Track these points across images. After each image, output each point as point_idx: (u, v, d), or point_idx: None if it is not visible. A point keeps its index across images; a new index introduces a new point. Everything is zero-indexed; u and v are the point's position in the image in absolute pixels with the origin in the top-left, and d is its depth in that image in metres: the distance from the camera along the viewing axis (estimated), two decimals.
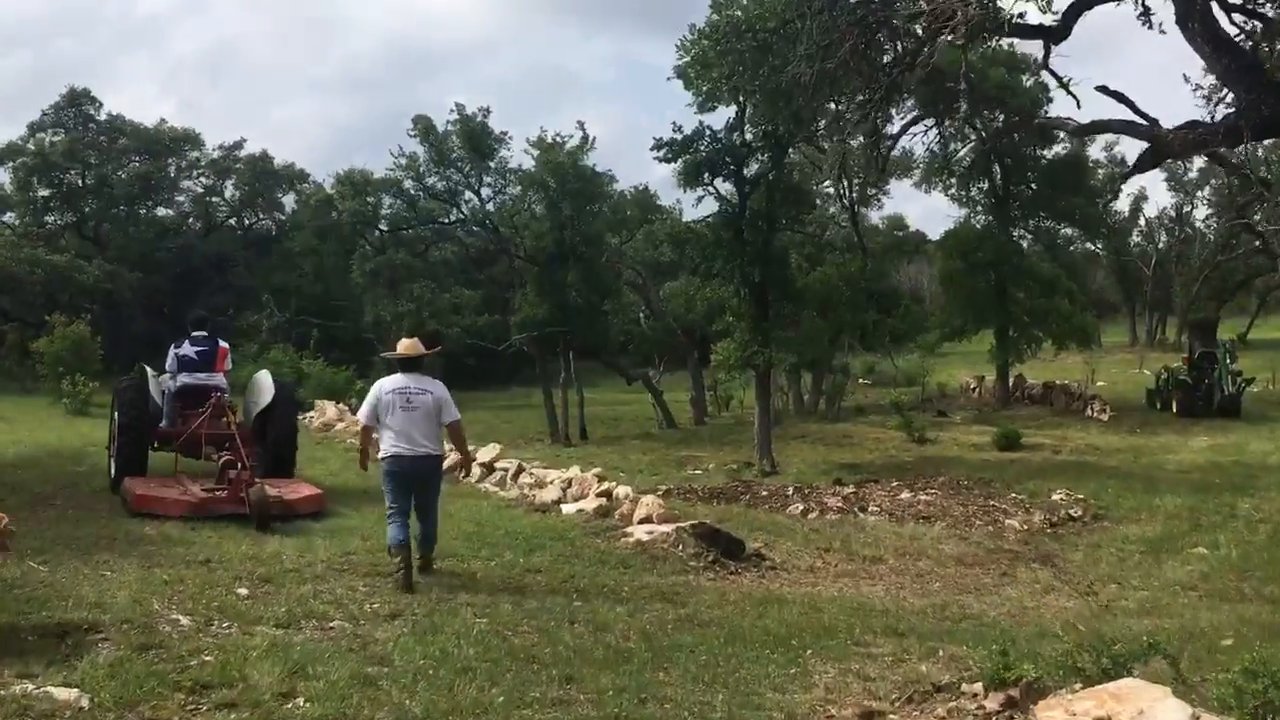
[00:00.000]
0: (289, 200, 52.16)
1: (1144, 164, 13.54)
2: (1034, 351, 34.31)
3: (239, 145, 51.57)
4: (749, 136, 21.87)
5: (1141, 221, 60.43)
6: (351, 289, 42.90)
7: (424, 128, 31.66)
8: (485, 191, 33.25)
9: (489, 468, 16.24)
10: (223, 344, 13.85)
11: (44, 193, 47.67)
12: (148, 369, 14.04)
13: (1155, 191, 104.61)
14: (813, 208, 26.27)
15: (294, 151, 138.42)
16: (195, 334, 13.60)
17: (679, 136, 21.49)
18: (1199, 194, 58.17)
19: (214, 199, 52.69)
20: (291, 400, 14.51)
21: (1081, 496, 17.07)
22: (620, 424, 34.71)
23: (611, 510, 13.04)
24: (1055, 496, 17.16)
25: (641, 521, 12.31)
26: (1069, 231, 42.23)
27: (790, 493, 17.71)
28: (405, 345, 9.57)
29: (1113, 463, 21.48)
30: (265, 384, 13.96)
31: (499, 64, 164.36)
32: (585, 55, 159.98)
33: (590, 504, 13.27)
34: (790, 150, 23.98)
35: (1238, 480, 18.36)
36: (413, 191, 33.74)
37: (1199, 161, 57.48)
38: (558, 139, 29.68)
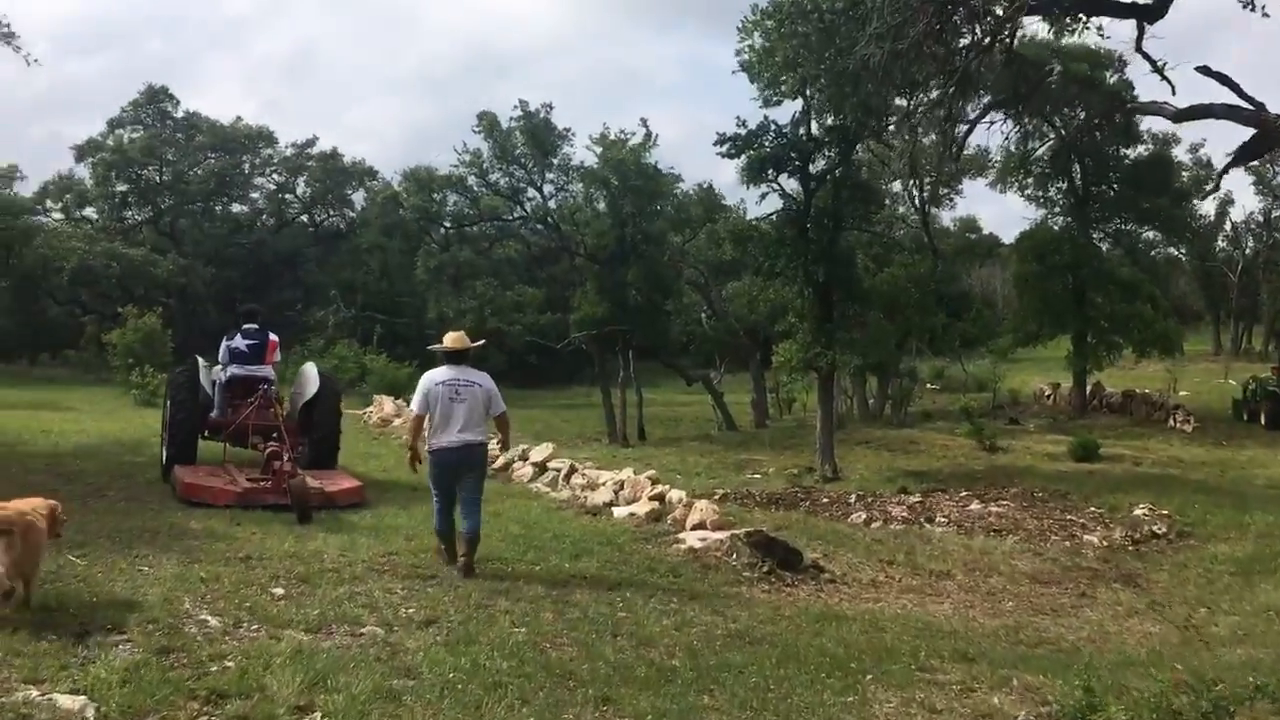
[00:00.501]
0: (358, 198, 52.52)
1: (1248, 153, 12.61)
2: (1114, 359, 33.07)
3: (311, 143, 52.20)
4: (815, 131, 21.18)
5: (1227, 226, 58.40)
6: (415, 286, 42.91)
7: (488, 123, 31.42)
8: (548, 188, 33.03)
9: (541, 467, 15.86)
10: (272, 336, 14.09)
11: (122, 188, 48.54)
12: (200, 360, 14.37)
13: (1242, 195, 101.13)
14: (881, 206, 25.47)
15: (369, 151, 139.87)
16: (246, 326, 13.94)
17: (743, 131, 20.88)
18: None
19: (286, 196, 53.25)
20: (335, 393, 14.59)
21: (1166, 512, 16.13)
22: (679, 425, 34.21)
23: (664, 515, 12.56)
24: (1137, 511, 16.24)
25: (695, 528, 11.81)
26: (1151, 235, 40.75)
27: (852, 500, 17.04)
28: (452, 338, 9.56)
29: (1198, 476, 20.44)
30: (311, 376, 14.27)
31: (571, 64, 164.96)
32: (655, 56, 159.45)
33: (642, 508, 12.79)
34: (858, 147, 23.19)
35: None
36: (476, 188, 33.56)
37: None
38: (621, 136, 29.27)
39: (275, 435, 12.44)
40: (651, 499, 13.04)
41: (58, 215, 48.86)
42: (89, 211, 49.96)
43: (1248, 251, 57.59)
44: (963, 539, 13.94)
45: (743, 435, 31.23)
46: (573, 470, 15.13)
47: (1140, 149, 34.14)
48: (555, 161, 32.11)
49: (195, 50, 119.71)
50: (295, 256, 51.98)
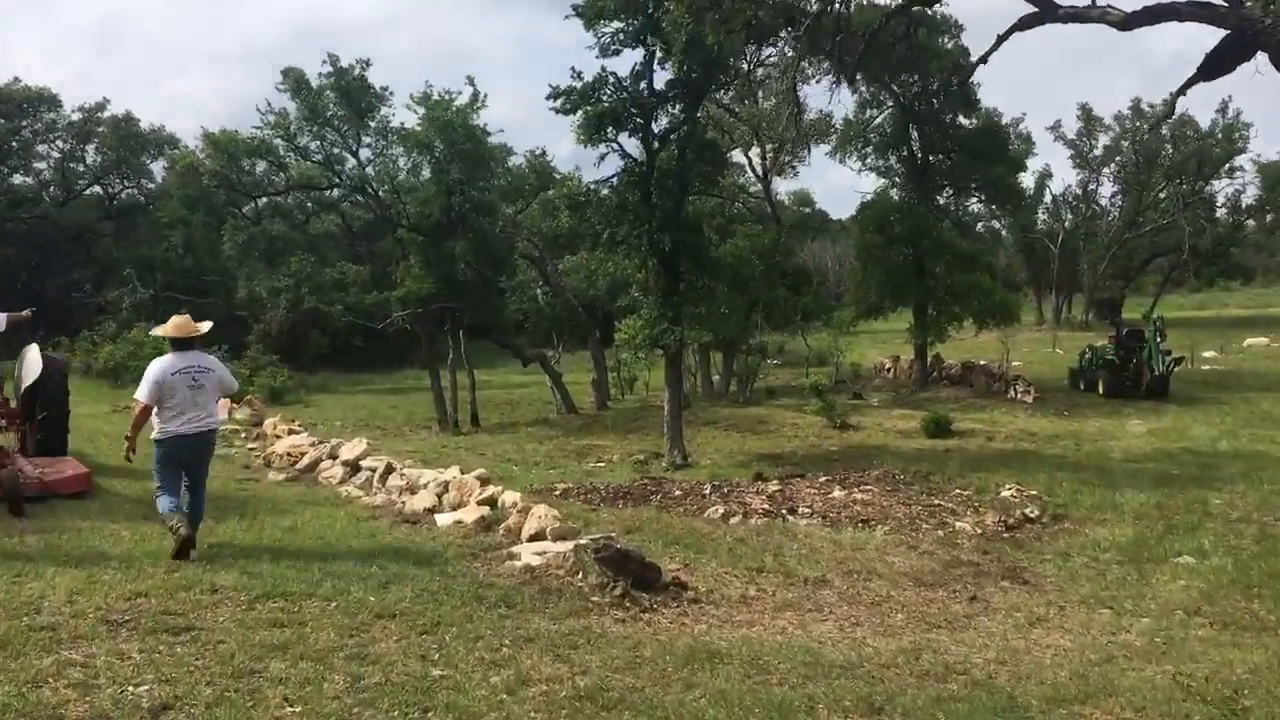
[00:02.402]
0: (158, 168, 47.87)
1: (1216, 65, 11.14)
2: (957, 329, 32.74)
3: (101, 107, 47.04)
4: (659, 86, 19.41)
5: (1047, 198, 59.87)
6: (224, 263, 39.28)
7: (295, 81, 28.31)
8: (364, 154, 30.09)
9: (353, 467, 13.69)
10: None
11: None
12: None
13: (1060, 168, 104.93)
14: (727, 167, 23.93)
15: (190, 128, 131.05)
16: None
17: (578, 84, 18.88)
18: (1105, 170, 57.78)
19: (73, 165, 47.91)
20: (62, 376, 13.72)
21: (1034, 492, 15.21)
22: (516, 409, 32.23)
23: (496, 522, 10.67)
24: (1005, 493, 15.26)
25: (532, 538, 9.97)
26: (977, 208, 40.98)
27: (708, 491, 15.46)
28: (178, 325, 9.08)
29: (1054, 451, 19.79)
30: (33, 360, 13.32)
31: (400, 40, 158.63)
32: (487, 34, 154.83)
33: (470, 514, 10.86)
34: (702, 107, 21.49)
35: (1195, 471, 16.74)
36: (284, 153, 30.42)
37: (1104, 139, 57.50)
38: (445, 95, 26.79)
39: None
40: (481, 503, 11.14)
41: None
42: None
43: (1066, 224, 59.19)
44: (830, 533, 12.55)
45: (584, 418, 29.45)
46: (389, 470, 13.04)
47: (975, 117, 33.85)
48: (372, 124, 29.31)
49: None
50: (86, 232, 47.07)
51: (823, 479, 16.78)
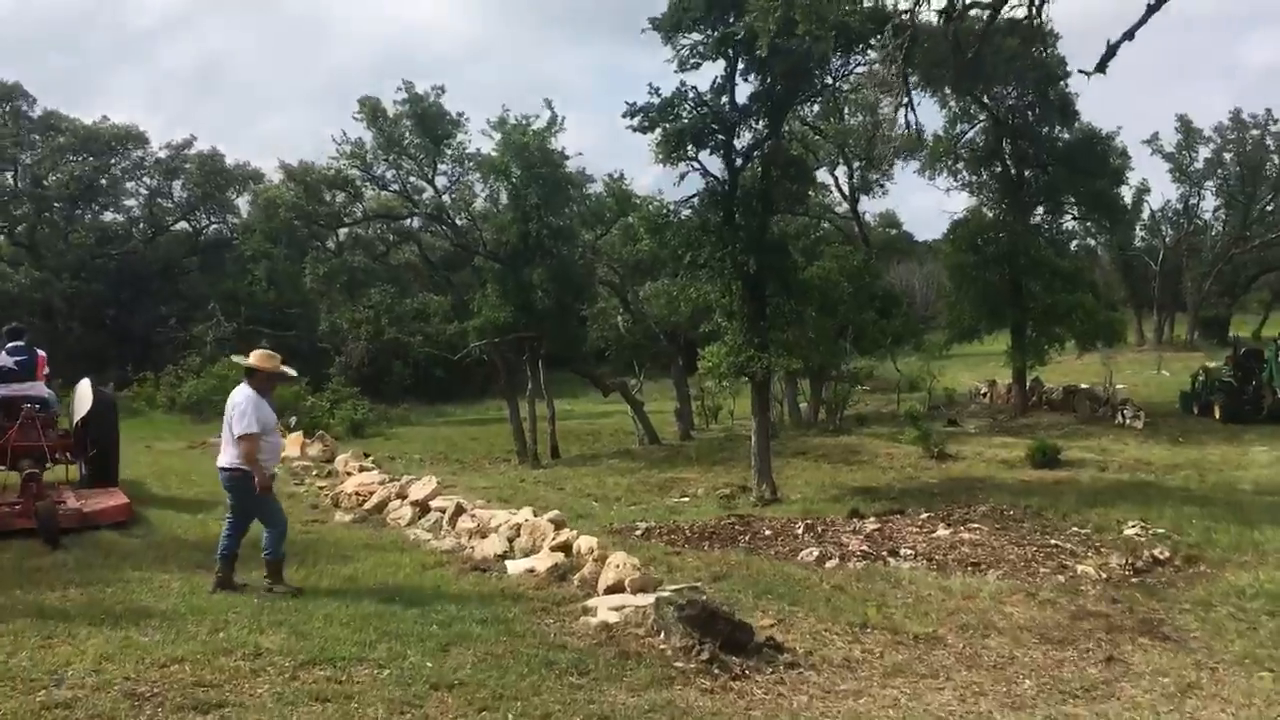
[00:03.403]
0: (244, 203, 48.39)
1: None
2: (1059, 351, 31.06)
3: (188, 144, 47.70)
4: (740, 100, 18.46)
5: (1145, 214, 57.29)
6: (306, 295, 39.30)
7: (370, 109, 28.07)
8: (441, 182, 29.69)
9: (423, 507, 12.92)
10: (40, 353, 13.75)
11: None
12: None
13: (1159, 183, 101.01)
14: (813, 184, 22.86)
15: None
16: (11, 345, 13.54)
17: (656, 100, 18.03)
18: (1206, 184, 55.09)
19: (160, 201, 48.69)
20: (111, 409, 14.28)
21: (1161, 530, 13.80)
22: (598, 440, 31.36)
23: (571, 571, 9.77)
24: (1128, 531, 13.87)
25: (610, 589, 9.03)
26: (1072, 225, 39.05)
27: (800, 531, 14.34)
28: (262, 357, 9.04)
29: (1176, 482, 18.26)
30: (84, 393, 13.92)
31: (483, 73, 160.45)
32: (569, 65, 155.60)
33: (543, 562, 9.97)
34: (787, 121, 20.47)
35: None
36: (360, 184, 30.20)
37: (1204, 151, 54.88)
38: (523, 120, 26.22)
39: (38, 457, 12.36)
40: (554, 549, 10.23)
41: None
42: None
43: (1167, 240, 56.58)
44: (938, 579, 11.35)
45: (667, 449, 28.46)
46: (459, 511, 12.23)
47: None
48: (449, 151, 28.90)
49: (98, 63, 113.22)
50: (173, 267, 47.71)
51: (924, 515, 15.55)
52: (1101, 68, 13.98)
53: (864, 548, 13.06)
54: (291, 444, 19.12)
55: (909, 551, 12.95)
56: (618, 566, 9.21)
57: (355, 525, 12.80)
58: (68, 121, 45.25)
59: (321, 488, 15.42)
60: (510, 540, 10.83)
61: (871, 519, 15.22)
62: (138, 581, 9.11)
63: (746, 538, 14.00)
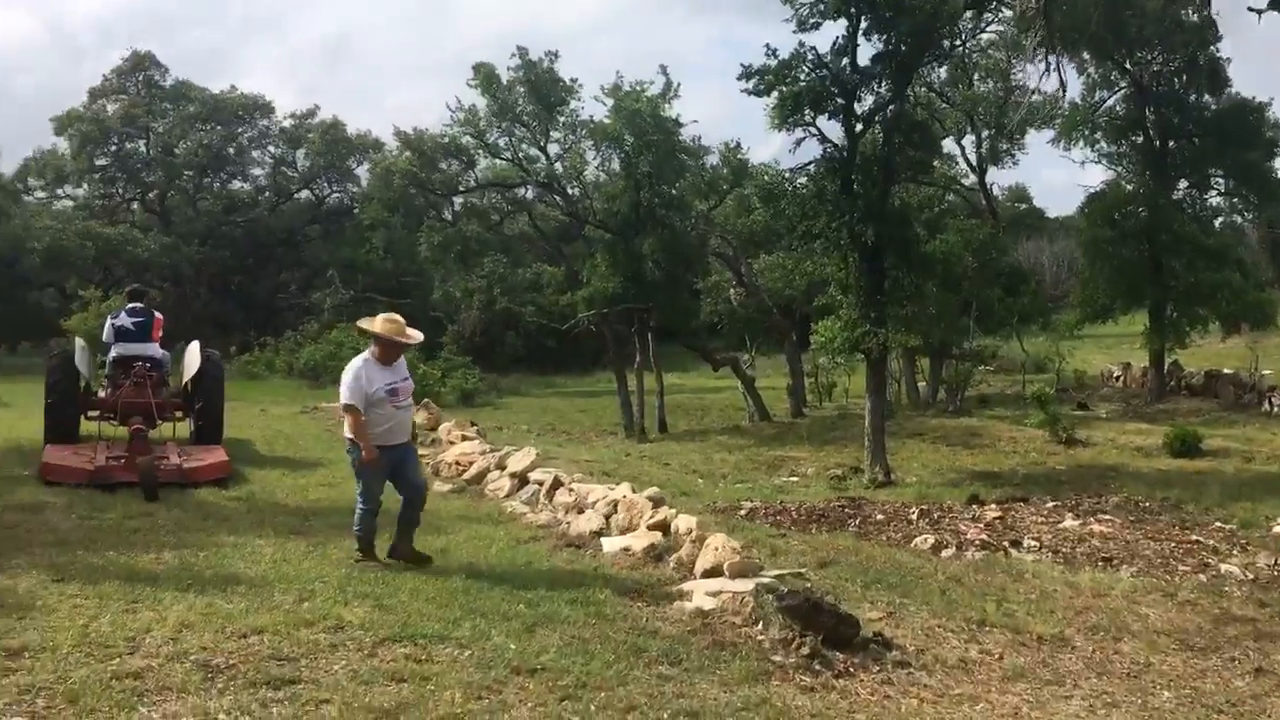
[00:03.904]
0: (364, 172, 49.20)
1: None
2: (1202, 333, 29.24)
3: (312, 113, 48.76)
4: (863, 62, 17.56)
5: None
6: (421, 264, 39.67)
7: (485, 76, 27.88)
8: (553, 149, 29.38)
9: (521, 479, 12.58)
10: (158, 316, 14.31)
11: (102, 162, 45.31)
12: (78, 340, 14.84)
13: None
14: (939, 152, 21.68)
15: None
16: (131, 305, 14.15)
17: (773, 62, 17.26)
18: None
19: (285, 170, 49.83)
20: (217, 370, 14.75)
21: None
22: (707, 415, 30.81)
23: (668, 551, 9.27)
24: (1278, 528, 12.76)
25: (707, 573, 8.50)
26: (1217, 201, 36.64)
27: (914, 515, 13.60)
28: (383, 322, 8.45)
29: None
30: (192, 354, 14.27)
31: (606, 43, 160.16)
32: (688, 37, 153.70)
33: (639, 541, 9.50)
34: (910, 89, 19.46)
35: None
36: (473, 151, 30.14)
37: None
38: (636, 86, 25.66)
39: (147, 414, 12.78)
40: (652, 528, 9.75)
41: (41, 194, 45.92)
42: (74, 189, 46.83)
43: None
44: (1064, 573, 10.50)
45: (778, 426, 27.73)
46: (557, 484, 11.83)
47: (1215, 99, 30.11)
48: (561, 119, 28.58)
49: (235, 38, 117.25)
50: (296, 235, 48.83)
51: (1050, 504, 14.62)
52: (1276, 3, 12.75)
53: (983, 537, 12.27)
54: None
55: (1033, 543, 12.13)
56: (716, 549, 8.68)
57: (452, 495, 12.56)
58: (197, 91, 46.60)
59: (423, 456, 15.23)
60: (606, 517, 10.40)
61: (992, 506, 14.37)
62: (231, 546, 8.97)
63: (857, 522, 13.33)
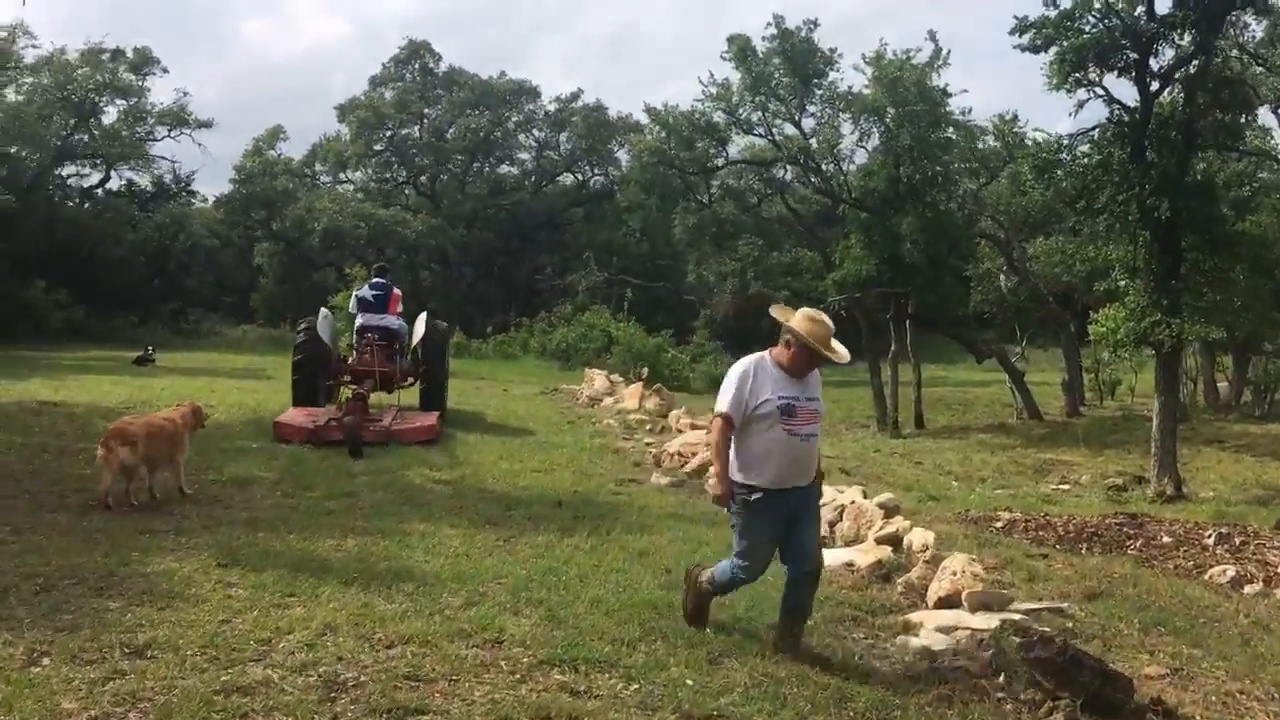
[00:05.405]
0: (625, 155, 49.52)
1: None
2: None
3: (575, 96, 49.49)
4: (1160, 10, 15.13)
5: None
6: (675, 247, 39.32)
7: (739, 48, 26.72)
8: (808, 124, 27.92)
9: None
10: (396, 290, 15.37)
11: (378, 147, 47.82)
12: (323, 310, 15.73)
13: None
14: (1253, 113, 18.66)
15: None
16: (374, 280, 15.44)
17: (1053, 12, 15.15)
18: None
19: (548, 153, 50.93)
20: (443, 339, 15.87)
21: None
22: (969, 411, 28.56)
23: (897, 570, 7.98)
24: None
25: (941, 603, 7.14)
26: None
27: (1210, 540, 11.43)
28: (806, 320, 6.11)
29: None
30: (420, 326, 15.02)
31: (889, 33, 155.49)
32: (977, 18, 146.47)
33: (866, 556, 8.23)
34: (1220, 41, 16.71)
35: None
36: (724, 128, 29.15)
37: None
38: (902, 55, 23.83)
39: (373, 379, 14.01)
40: (881, 541, 8.47)
41: (326, 178, 49.02)
42: (358, 175, 49.80)
43: None
44: None
45: (1049, 427, 25.20)
46: None
47: None
48: (818, 92, 27.04)
49: (524, 34, 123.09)
50: (557, 218, 49.78)
51: None
52: None
53: None
54: (630, 395, 18.49)
55: None
56: (955, 573, 7.29)
57: (670, 489, 11.62)
58: (468, 77, 48.33)
59: (649, 444, 14.46)
60: (831, 524, 9.18)
61: None
62: (418, 535, 8.42)
63: (1138, 544, 11.33)
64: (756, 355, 6.12)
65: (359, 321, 15.03)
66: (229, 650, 5.45)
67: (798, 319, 6.02)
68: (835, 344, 6.08)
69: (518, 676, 5.46)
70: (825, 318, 6.10)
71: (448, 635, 5.92)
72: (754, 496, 5.91)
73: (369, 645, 5.70)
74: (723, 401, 5.95)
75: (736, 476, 5.95)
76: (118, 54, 40.63)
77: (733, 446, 5.94)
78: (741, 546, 6.08)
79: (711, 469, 6.75)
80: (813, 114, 27.76)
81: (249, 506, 9.13)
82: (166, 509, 8.87)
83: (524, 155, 51.72)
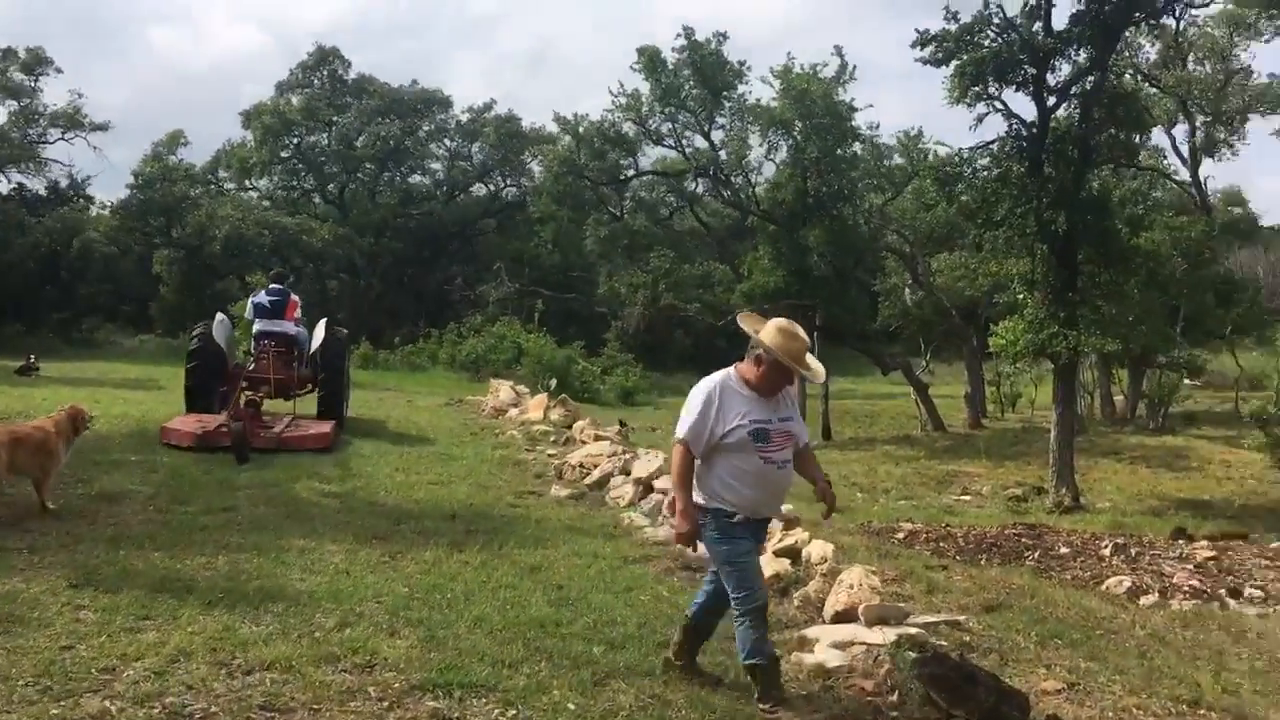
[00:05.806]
0: (537, 165, 49.23)
1: None
2: None
3: (488, 107, 49.10)
4: (1058, 25, 15.42)
5: None
6: (587, 258, 39.12)
7: (648, 58, 26.71)
8: (717, 136, 27.94)
9: (645, 486, 11.24)
10: (294, 297, 15.13)
11: (284, 155, 46.77)
12: (220, 315, 15.30)
13: None
14: (1147, 131, 19.10)
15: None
16: (272, 286, 15.12)
17: (953, 26, 15.32)
18: None
19: (460, 163, 50.40)
20: (341, 348, 15.39)
21: None
22: (875, 423, 28.84)
23: (795, 584, 7.77)
24: None
25: (838, 617, 6.95)
26: None
27: (1107, 551, 11.55)
28: (778, 332, 5.46)
29: None
30: (319, 333, 14.96)
31: (799, 50, 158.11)
32: (882, 41, 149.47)
33: (764, 568, 7.98)
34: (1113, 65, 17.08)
35: None
36: (633, 138, 29.06)
37: None
38: (809, 69, 23.96)
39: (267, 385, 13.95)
40: (779, 554, 8.26)
41: (230, 185, 47.72)
42: (263, 183, 48.61)
43: None
44: None
45: (952, 438, 25.55)
46: None
47: None
48: (728, 104, 27.11)
49: (443, 49, 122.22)
50: (469, 228, 49.24)
51: (1276, 544, 12.27)
52: None
53: (1193, 582, 10.19)
54: (534, 406, 18.12)
55: (1257, 592, 10.01)
56: (851, 587, 7.11)
57: (569, 501, 11.31)
58: (378, 85, 47.57)
59: (551, 455, 14.13)
60: None
61: (1203, 543, 12.17)
62: (297, 552, 7.96)
63: (1036, 554, 11.40)
64: (721, 374, 5.50)
65: (256, 328, 14.75)
66: (65, 680, 5.00)
67: (769, 331, 5.41)
68: (810, 360, 5.53)
69: (386, 703, 5.11)
70: (799, 330, 5.52)
71: (314, 660, 5.53)
72: (736, 518, 5.36)
73: (224, 672, 5.29)
74: (682, 426, 5.37)
75: (712, 504, 5.38)
76: (9, 53, 39.16)
77: (699, 475, 5.41)
78: (735, 578, 5.42)
79: (671, 502, 6.22)
80: (722, 126, 27.89)
81: (115, 522, 8.56)
82: (24, 525, 8.27)
83: (436, 165, 51.20)
